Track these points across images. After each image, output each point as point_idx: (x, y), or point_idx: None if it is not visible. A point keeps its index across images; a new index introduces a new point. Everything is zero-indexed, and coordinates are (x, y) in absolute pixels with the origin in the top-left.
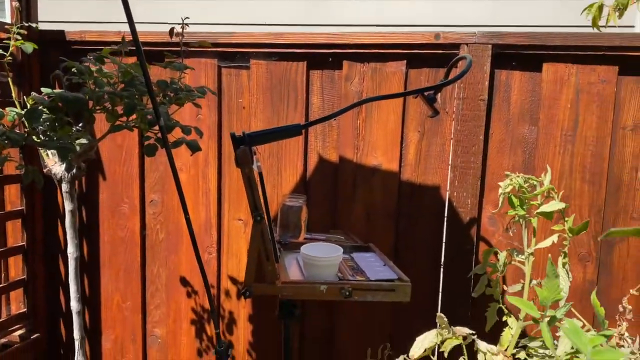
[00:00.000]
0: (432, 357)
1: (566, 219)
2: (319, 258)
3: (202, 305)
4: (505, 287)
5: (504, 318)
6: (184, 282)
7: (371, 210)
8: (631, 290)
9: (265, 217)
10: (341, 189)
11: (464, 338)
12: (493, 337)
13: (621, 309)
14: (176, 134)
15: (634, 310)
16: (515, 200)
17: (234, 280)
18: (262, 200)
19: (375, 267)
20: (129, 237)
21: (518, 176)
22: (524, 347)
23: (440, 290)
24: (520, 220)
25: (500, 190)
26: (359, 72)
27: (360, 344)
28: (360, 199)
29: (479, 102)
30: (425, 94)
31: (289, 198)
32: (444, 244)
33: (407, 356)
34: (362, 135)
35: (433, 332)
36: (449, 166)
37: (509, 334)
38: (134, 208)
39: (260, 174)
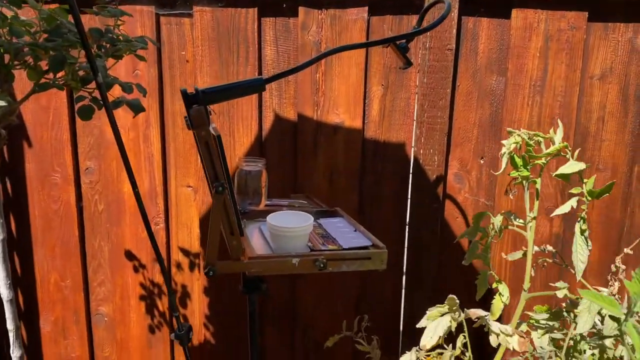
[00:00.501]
0: (445, 346)
1: (585, 180)
2: (290, 229)
3: (152, 279)
4: (504, 255)
5: (494, 285)
6: (129, 256)
7: (334, 171)
8: (626, 250)
9: (227, 186)
10: (301, 150)
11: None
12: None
13: (614, 269)
14: (114, 93)
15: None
16: (519, 160)
17: (185, 252)
18: (222, 168)
19: (346, 233)
20: (64, 210)
21: (522, 133)
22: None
23: (406, 249)
24: (523, 182)
25: (503, 150)
26: (316, 20)
27: (326, 310)
28: (322, 159)
29: (446, 52)
30: (397, 42)
31: (246, 162)
32: (409, 202)
33: (419, 347)
34: (322, 90)
35: (446, 318)
36: (415, 122)
37: (500, 302)
38: (67, 177)
39: (219, 137)
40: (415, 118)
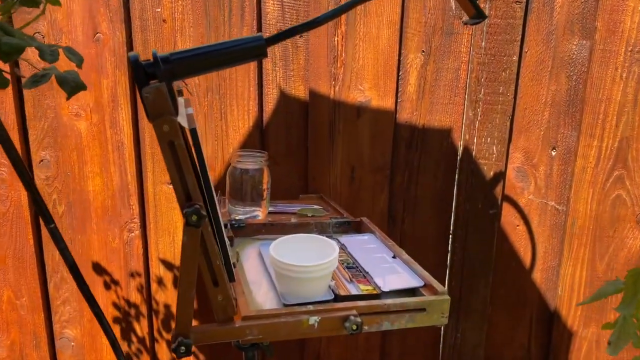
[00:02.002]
0: None
1: None
2: (305, 268)
3: (127, 298)
4: None
5: None
6: (98, 269)
7: (357, 166)
8: None
9: (208, 209)
10: (314, 138)
11: None
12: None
13: None
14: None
15: None
16: None
17: (168, 265)
18: (197, 182)
19: (381, 262)
20: (14, 213)
21: None
22: None
23: (448, 270)
24: None
25: None
26: None
27: (341, 342)
28: (341, 150)
29: (513, 5)
30: None
31: (242, 157)
32: (454, 206)
33: None
34: (341, 59)
35: None
36: (466, 100)
37: None
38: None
39: (194, 130)
40: (467, 95)
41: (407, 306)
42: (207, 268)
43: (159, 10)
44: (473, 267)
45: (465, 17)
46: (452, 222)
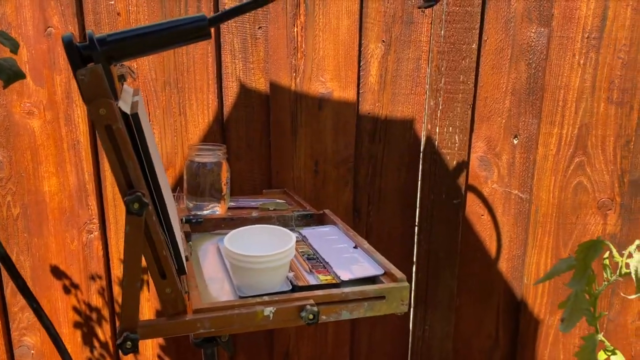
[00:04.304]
0: None
1: None
2: (258, 258)
3: (88, 302)
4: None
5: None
6: (57, 273)
7: (320, 159)
8: None
9: (152, 197)
10: (276, 131)
11: None
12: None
13: None
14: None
15: None
16: None
17: None
18: (142, 167)
19: (342, 252)
20: None
21: None
22: None
23: (415, 260)
24: None
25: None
26: None
27: (311, 336)
28: (304, 143)
29: None
30: None
31: (200, 150)
32: (419, 198)
33: None
34: (301, 50)
35: None
36: (427, 90)
37: None
38: None
39: (136, 116)
40: (428, 85)
41: (366, 294)
42: (153, 259)
43: (112, 2)
44: (439, 258)
45: (421, 2)
46: (417, 213)
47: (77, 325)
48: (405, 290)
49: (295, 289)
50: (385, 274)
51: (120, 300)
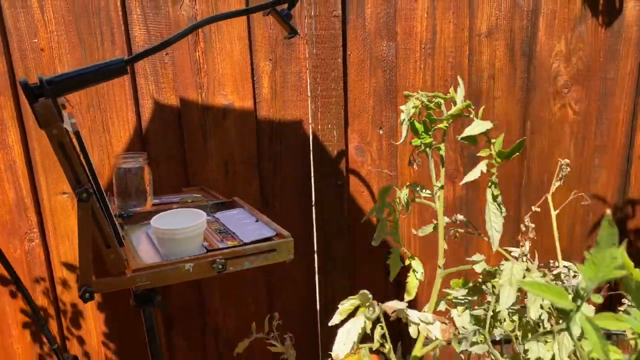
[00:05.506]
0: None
1: (492, 140)
2: (178, 230)
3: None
4: (414, 231)
5: (407, 261)
6: (3, 280)
7: (229, 159)
8: (533, 208)
9: (94, 190)
10: (189, 139)
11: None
12: (376, 281)
13: (524, 228)
14: None
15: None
16: (419, 126)
17: (70, 267)
18: (86, 169)
19: (247, 226)
20: None
21: (422, 95)
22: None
23: (315, 231)
24: (426, 149)
25: (402, 117)
26: None
27: (235, 308)
28: (214, 147)
29: (332, 19)
30: (278, 8)
31: (124, 158)
32: (313, 182)
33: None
34: (204, 70)
35: (359, 320)
36: (309, 97)
37: (415, 280)
38: None
39: (77, 133)
40: (309, 92)
41: (261, 249)
42: (100, 234)
43: (35, 40)
44: (332, 232)
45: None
46: (313, 196)
47: (25, 325)
48: (290, 243)
49: (208, 251)
50: (277, 235)
51: (63, 298)
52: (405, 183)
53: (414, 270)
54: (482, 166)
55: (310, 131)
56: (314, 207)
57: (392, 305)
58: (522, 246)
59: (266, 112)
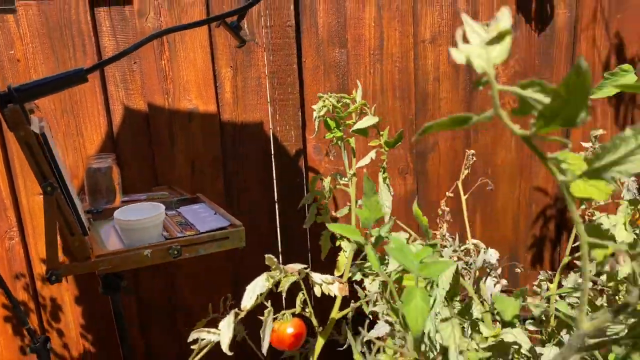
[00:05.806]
0: (265, 303)
1: (381, 132)
2: (138, 221)
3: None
4: (334, 213)
5: (337, 242)
6: None
7: (195, 160)
8: (447, 193)
9: (59, 184)
10: (156, 141)
11: (299, 274)
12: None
13: (440, 212)
14: None
15: (451, 211)
16: (331, 123)
17: None
18: (52, 166)
19: (205, 218)
20: None
21: (330, 96)
22: (360, 269)
23: (278, 227)
24: (339, 142)
25: (314, 114)
26: (153, 6)
27: (204, 295)
28: (181, 149)
29: (286, 29)
30: (228, 21)
31: (95, 159)
32: (274, 180)
33: (239, 309)
34: (170, 77)
35: (262, 277)
36: (268, 100)
37: (344, 258)
38: None
39: (43, 135)
40: (268, 96)
41: (215, 237)
42: (65, 224)
43: (12, 52)
44: (293, 227)
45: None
46: (275, 192)
47: (7, 319)
48: (242, 232)
49: (167, 240)
50: (230, 225)
51: (43, 293)
52: (359, 177)
53: (343, 250)
54: (372, 154)
55: (271, 132)
56: (276, 204)
57: (294, 266)
58: (440, 227)
59: (229, 115)
